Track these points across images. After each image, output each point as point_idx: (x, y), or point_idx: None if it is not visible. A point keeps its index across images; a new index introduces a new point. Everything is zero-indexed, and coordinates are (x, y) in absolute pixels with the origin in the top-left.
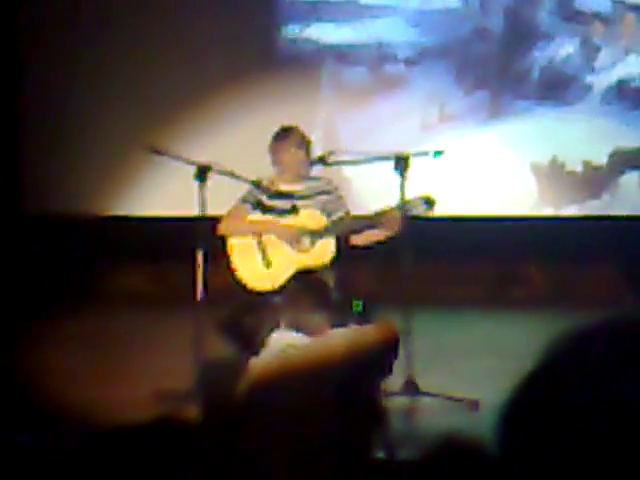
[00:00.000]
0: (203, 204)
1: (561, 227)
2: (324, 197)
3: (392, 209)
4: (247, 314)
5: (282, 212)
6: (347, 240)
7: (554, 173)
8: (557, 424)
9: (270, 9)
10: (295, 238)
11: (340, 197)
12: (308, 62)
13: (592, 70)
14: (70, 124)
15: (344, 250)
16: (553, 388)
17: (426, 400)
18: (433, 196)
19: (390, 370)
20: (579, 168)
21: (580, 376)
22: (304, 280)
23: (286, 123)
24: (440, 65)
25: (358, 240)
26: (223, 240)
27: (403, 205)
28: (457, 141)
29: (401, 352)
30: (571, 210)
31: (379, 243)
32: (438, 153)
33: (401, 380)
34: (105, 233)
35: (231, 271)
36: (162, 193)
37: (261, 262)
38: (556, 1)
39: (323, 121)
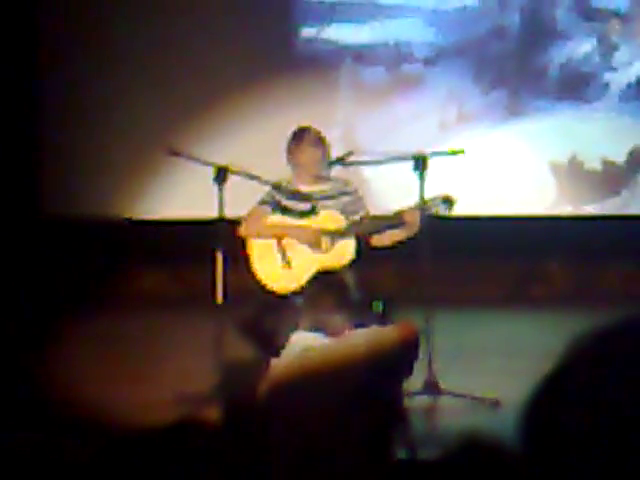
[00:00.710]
0: (222, 206)
1: (581, 225)
2: (344, 198)
3: (411, 208)
4: (267, 315)
5: (302, 213)
6: (367, 242)
7: (573, 171)
8: (578, 423)
9: (288, 10)
10: (315, 240)
11: (359, 198)
12: (326, 62)
13: (610, 68)
14: (89, 126)
15: (364, 251)
16: (574, 387)
17: (447, 399)
18: (452, 196)
19: (411, 370)
20: (598, 166)
21: (601, 375)
22: (324, 281)
23: (304, 124)
24: (458, 64)
25: (378, 241)
26: (243, 241)
27: (422, 205)
28: (475, 140)
29: (422, 352)
30: (590, 208)
31: (399, 243)
32: (457, 152)
33: (422, 380)
34: (125, 235)
35: (251, 272)
36: (181, 195)
37: (281, 263)
38: None
39: (341, 121)
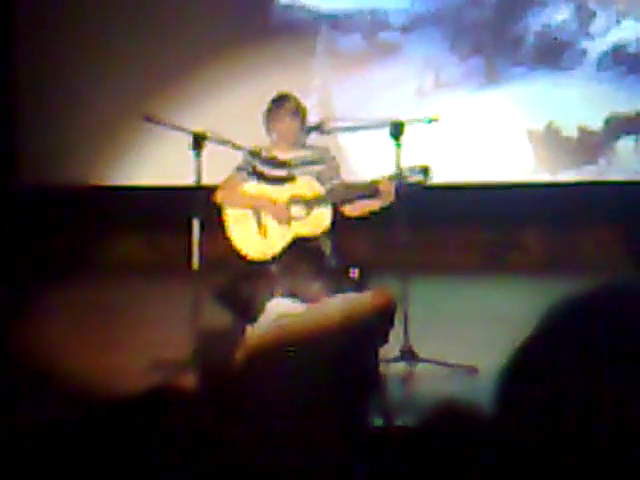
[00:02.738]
0: (199, 173)
1: (557, 193)
2: (320, 165)
3: (386, 178)
4: (244, 282)
5: (279, 180)
6: (341, 212)
7: (550, 139)
8: (554, 389)
9: None
10: (283, 216)
11: (336, 166)
12: (303, 29)
13: (587, 35)
14: (65, 93)
15: (340, 218)
16: (550, 353)
17: (423, 367)
18: (430, 166)
19: (387, 337)
20: (575, 134)
21: (576, 341)
22: (300, 248)
23: (281, 91)
24: (435, 32)
25: (352, 211)
26: (219, 209)
27: (399, 173)
28: (452, 108)
29: (398, 319)
30: (567, 176)
31: (373, 213)
32: (433, 120)
33: (398, 347)
34: (101, 202)
35: (227, 240)
36: (158, 162)
37: (257, 231)
38: None
39: (318, 89)
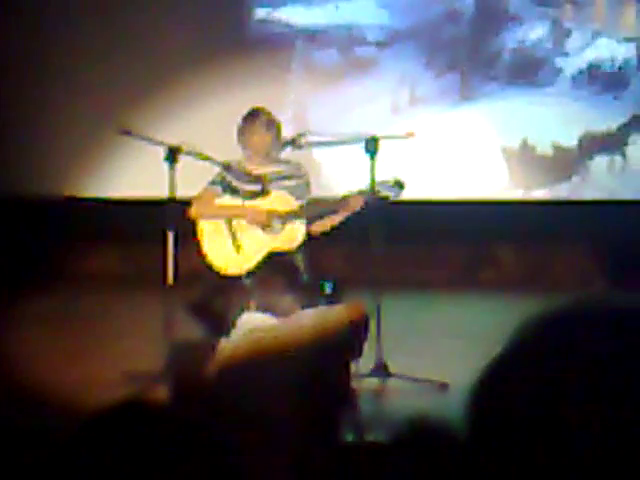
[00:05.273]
0: (173, 186)
1: (531, 210)
2: (294, 181)
3: (356, 193)
4: (217, 296)
5: (252, 194)
6: (308, 231)
7: (524, 156)
8: (526, 406)
9: None
10: (266, 220)
11: (308, 183)
12: (279, 44)
13: (562, 53)
14: (39, 105)
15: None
16: (522, 370)
17: (395, 382)
18: (403, 179)
19: (359, 351)
20: (549, 151)
21: (549, 359)
22: (274, 263)
23: (256, 105)
24: (410, 47)
25: (316, 228)
26: (193, 223)
27: (373, 188)
28: (427, 124)
29: (371, 334)
30: (541, 193)
31: (340, 225)
32: (408, 135)
33: (371, 362)
34: (75, 215)
35: (201, 254)
36: (132, 174)
37: (231, 245)
38: None
39: (293, 103)
